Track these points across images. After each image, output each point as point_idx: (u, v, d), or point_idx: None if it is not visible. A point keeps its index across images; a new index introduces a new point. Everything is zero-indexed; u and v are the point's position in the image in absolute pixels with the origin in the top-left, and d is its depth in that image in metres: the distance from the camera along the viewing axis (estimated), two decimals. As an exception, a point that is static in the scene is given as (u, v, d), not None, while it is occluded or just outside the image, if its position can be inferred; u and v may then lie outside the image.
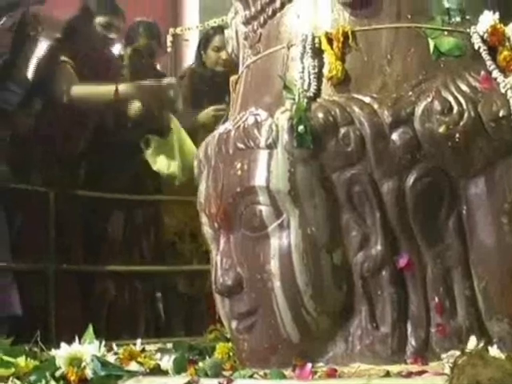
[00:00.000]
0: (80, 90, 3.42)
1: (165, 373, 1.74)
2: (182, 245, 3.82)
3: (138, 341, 2.00)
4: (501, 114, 1.65)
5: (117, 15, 3.75)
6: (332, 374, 1.57)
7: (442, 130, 1.65)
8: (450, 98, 1.68)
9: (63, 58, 3.52)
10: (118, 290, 3.63)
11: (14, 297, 3.17)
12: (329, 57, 1.79)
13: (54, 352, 1.74)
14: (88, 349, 1.65)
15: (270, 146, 1.74)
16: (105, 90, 3.42)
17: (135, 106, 3.53)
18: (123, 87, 3.39)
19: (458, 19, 1.85)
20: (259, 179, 1.74)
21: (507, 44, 1.80)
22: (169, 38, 4.73)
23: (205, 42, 4.26)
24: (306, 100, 1.73)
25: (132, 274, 3.67)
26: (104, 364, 1.62)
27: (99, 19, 3.66)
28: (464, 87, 1.71)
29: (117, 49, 3.93)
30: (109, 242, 3.63)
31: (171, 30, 4.84)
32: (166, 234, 3.81)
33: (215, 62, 4.14)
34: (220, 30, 4.00)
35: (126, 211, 3.67)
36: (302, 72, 1.79)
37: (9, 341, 1.95)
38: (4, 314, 3.13)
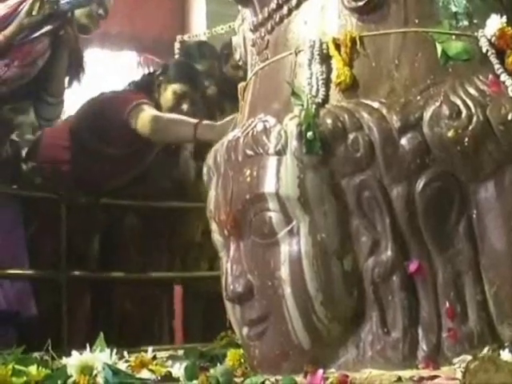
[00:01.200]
0: (162, 123, 3.31)
1: (176, 380, 1.74)
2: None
3: (150, 348, 2.00)
4: (509, 117, 1.65)
5: (195, 87, 3.59)
6: (343, 380, 1.57)
7: (450, 134, 1.65)
8: (459, 102, 1.68)
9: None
10: (137, 297, 3.62)
11: (29, 299, 3.18)
12: (337, 62, 1.80)
13: (65, 360, 1.74)
14: (99, 357, 1.65)
15: (279, 153, 1.74)
16: (184, 131, 3.30)
17: None
18: (201, 130, 3.23)
19: (466, 23, 1.85)
20: (268, 186, 1.74)
21: (515, 47, 1.80)
22: (176, 45, 4.73)
23: (226, 56, 3.94)
24: (314, 106, 1.73)
25: (150, 280, 3.66)
26: (115, 372, 1.62)
27: (175, 86, 3.49)
28: (472, 91, 1.70)
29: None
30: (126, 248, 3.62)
31: (179, 37, 4.84)
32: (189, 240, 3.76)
33: (233, 78, 3.73)
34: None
35: (143, 217, 3.64)
36: (310, 78, 1.80)
37: (20, 349, 1.95)
38: (20, 316, 3.14)
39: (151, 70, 4.62)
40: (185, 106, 3.44)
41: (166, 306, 3.79)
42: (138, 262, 3.60)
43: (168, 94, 3.45)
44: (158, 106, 3.43)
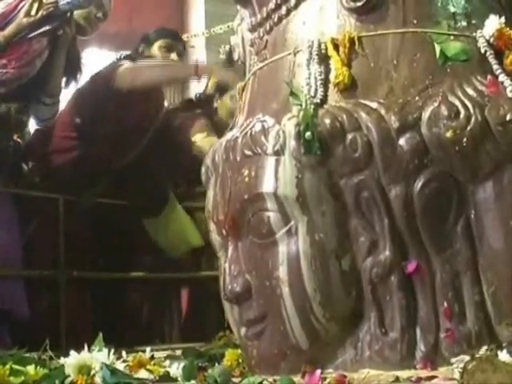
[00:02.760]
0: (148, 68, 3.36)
1: (174, 380, 1.74)
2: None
3: (148, 348, 2.00)
4: (508, 117, 1.65)
5: (178, 40, 3.71)
6: (341, 380, 1.57)
7: (449, 134, 1.65)
8: (457, 103, 1.68)
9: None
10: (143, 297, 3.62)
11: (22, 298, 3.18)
12: (335, 63, 1.80)
13: (63, 360, 1.74)
14: (97, 357, 1.65)
15: (278, 153, 1.74)
16: (184, 71, 3.38)
17: (212, 82, 3.53)
18: (202, 65, 3.34)
19: (464, 24, 1.85)
20: (267, 186, 1.74)
21: (514, 48, 1.80)
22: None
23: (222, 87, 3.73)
24: (312, 106, 1.73)
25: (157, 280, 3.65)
26: (113, 372, 1.62)
27: (159, 42, 3.61)
28: (471, 91, 1.70)
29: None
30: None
31: (177, 37, 4.85)
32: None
33: (230, 114, 3.48)
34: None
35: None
36: (309, 78, 1.80)
37: (22, 351, 1.95)
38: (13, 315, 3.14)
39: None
40: (173, 56, 3.49)
41: (168, 306, 3.78)
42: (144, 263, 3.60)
43: (155, 51, 3.50)
44: None
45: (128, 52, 3.74)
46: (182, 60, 3.67)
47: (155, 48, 3.57)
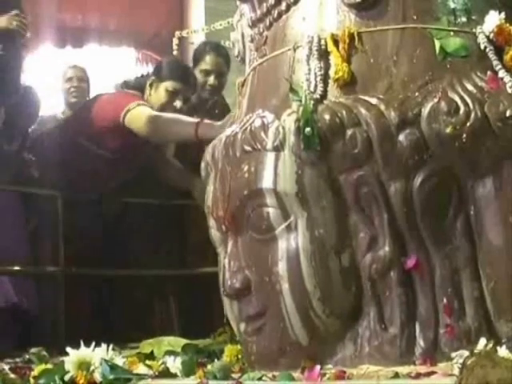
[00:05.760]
0: (161, 122, 3.23)
1: (174, 376, 1.74)
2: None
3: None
4: (508, 113, 1.65)
5: (188, 85, 3.51)
6: (341, 375, 1.57)
7: (448, 130, 1.65)
8: (457, 99, 1.68)
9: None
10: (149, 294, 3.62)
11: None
12: (335, 58, 1.79)
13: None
14: (97, 352, 1.65)
15: (277, 149, 1.74)
16: (185, 131, 3.26)
17: None
18: (203, 129, 3.20)
19: (464, 19, 1.85)
20: (266, 182, 1.74)
21: (514, 43, 1.80)
22: (175, 41, 4.72)
23: (195, 60, 3.80)
24: (312, 102, 1.73)
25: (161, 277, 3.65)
26: (113, 367, 1.62)
27: (168, 84, 3.41)
28: (470, 87, 1.70)
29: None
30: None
31: (177, 33, 4.84)
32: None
33: (201, 87, 3.67)
34: (214, 49, 3.74)
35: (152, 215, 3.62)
36: (309, 74, 1.80)
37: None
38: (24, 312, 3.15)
39: (149, 66, 4.59)
40: (178, 103, 3.41)
41: (168, 303, 3.77)
42: (146, 260, 3.59)
43: (160, 91, 3.43)
44: (149, 103, 3.42)
45: (131, 78, 3.69)
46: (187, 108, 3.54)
47: (162, 88, 3.46)
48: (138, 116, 3.24)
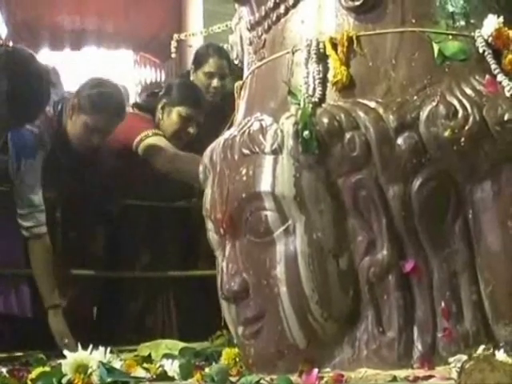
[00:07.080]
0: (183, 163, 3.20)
1: (171, 379, 1.73)
2: None
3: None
4: (506, 117, 1.65)
5: (200, 110, 3.48)
6: (339, 379, 1.57)
7: (447, 134, 1.65)
8: (455, 102, 1.68)
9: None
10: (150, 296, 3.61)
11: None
12: (333, 62, 1.80)
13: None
14: (94, 355, 1.65)
15: (275, 152, 1.74)
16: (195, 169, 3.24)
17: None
18: None
19: (463, 23, 1.85)
20: (264, 185, 1.74)
21: (512, 47, 1.80)
22: (173, 44, 4.73)
23: (197, 62, 3.79)
24: (310, 105, 1.73)
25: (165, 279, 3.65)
26: (110, 370, 1.62)
27: (180, 109, 3.40)
28: (469, 91, 1.71)
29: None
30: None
31: (175, 36, 4.85)
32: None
33: (204, 89, 3.67)
34: (217, 52, 3.73)
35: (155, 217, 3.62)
36: (307, 77, 1.80)
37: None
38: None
39: (147, 69, 4.57)
40: (191, 130, 3.40)
41: (171, 305, 3.76)
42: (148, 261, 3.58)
43: (173, 116, 3.40)
44: (161, 128, 3.41)
45: (141, 99, 3.65)
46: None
47: (175, 114, 3.44)
48: (154, 149, 3.25)
